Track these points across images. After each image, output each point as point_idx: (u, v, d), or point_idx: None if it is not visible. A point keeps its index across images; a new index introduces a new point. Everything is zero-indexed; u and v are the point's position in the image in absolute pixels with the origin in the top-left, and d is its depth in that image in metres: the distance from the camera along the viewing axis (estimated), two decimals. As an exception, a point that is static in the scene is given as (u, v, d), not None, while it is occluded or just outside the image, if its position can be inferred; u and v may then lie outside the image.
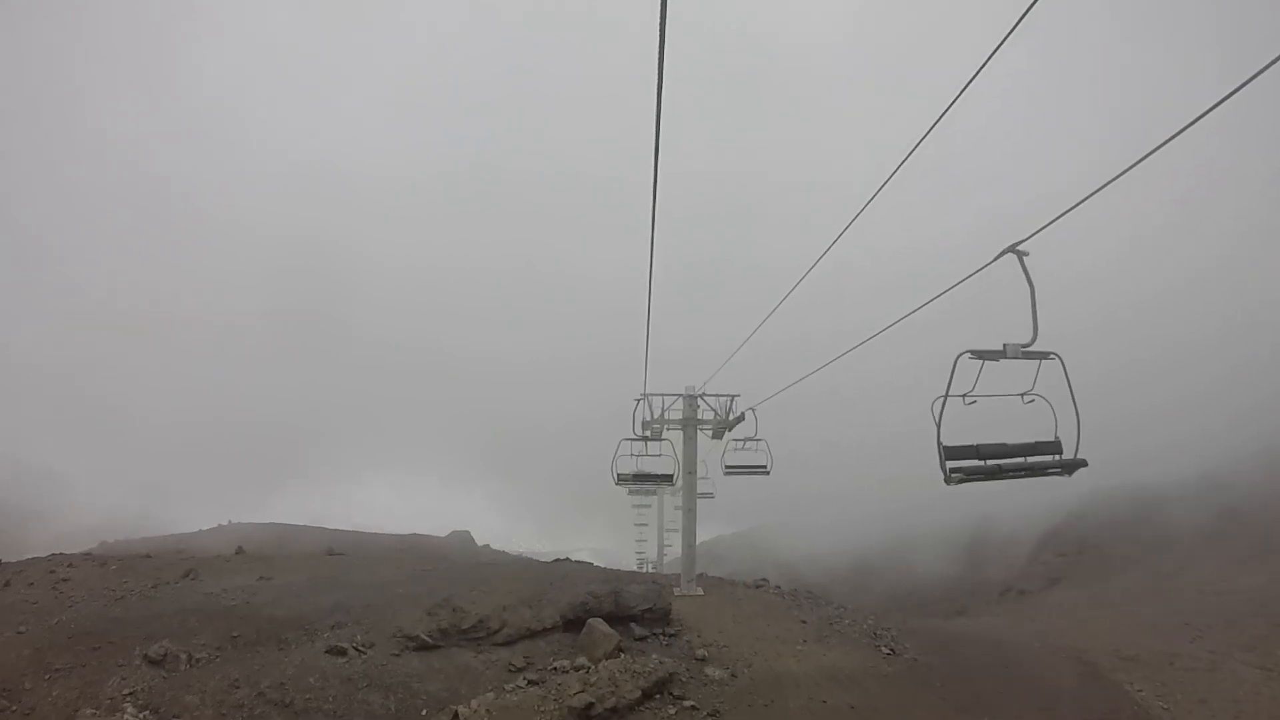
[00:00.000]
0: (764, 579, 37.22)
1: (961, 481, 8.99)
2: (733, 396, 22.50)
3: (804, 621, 20.84)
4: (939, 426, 8.87)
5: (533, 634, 16.88)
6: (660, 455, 22.63)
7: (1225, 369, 49.63)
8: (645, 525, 51.98)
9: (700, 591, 22.28)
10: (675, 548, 49.70)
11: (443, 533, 61.14)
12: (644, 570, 53.77)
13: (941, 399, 8.87)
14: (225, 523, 57.18)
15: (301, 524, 56.82)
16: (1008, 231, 8.42)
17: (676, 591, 22.08)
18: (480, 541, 62.56)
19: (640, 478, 22.78)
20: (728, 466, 23.25)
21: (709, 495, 33.80)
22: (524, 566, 23.93)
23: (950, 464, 8.95)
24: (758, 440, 22.40)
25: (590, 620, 16.84)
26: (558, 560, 27.82)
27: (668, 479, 23.23)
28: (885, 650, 19.41)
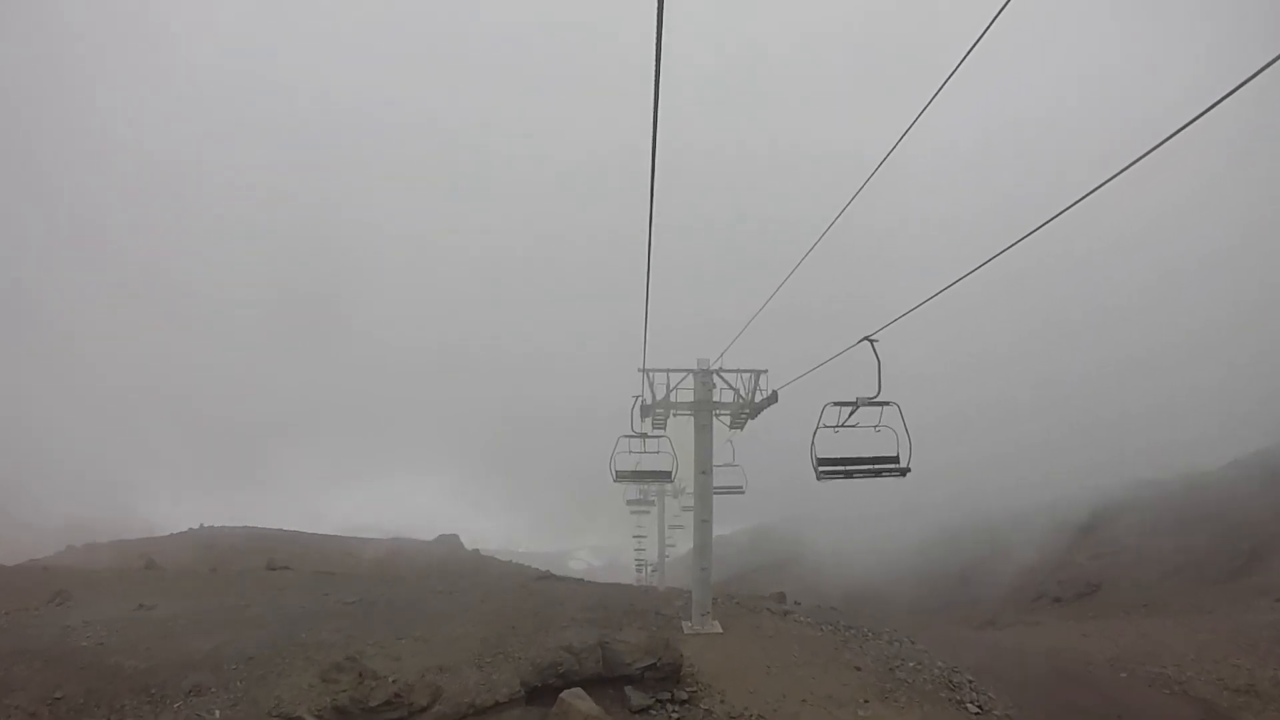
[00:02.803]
0: (782, 593, 31.10)
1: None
2: (758, 372, 16.40)
3: (858, 668, 14.77)
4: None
5: (480, 712, 10.68)
6: (659, 453, 17.59)
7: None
8: (644, 536, 45.58)
9: (718, 627, 16.06)
10: (679, 547, 43.80)
11: (432, 535, 55.25)
12: (644, 573, 48.17)
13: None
14: (196, 526, 51.40)
15: (280, 528, 50.93)
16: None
17: (686, 628, 15.90)
18: (472, 544, 56.48)
19: (640, 475, 17.98)
20: (823, 463, 11.96)
21: (737, 490, 23.84)
22: (487, 593, 17.66)
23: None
24: (884, 404, 11.25)
25: (564, 695, 10.55)
26: (541, 578, 21.68)
27: (666, 476, 17.95)
28: (973, 708, 13.67)
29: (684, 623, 16.24)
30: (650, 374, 16.33)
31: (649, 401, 16.42)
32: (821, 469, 11.97)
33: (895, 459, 12.12)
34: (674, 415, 17.03)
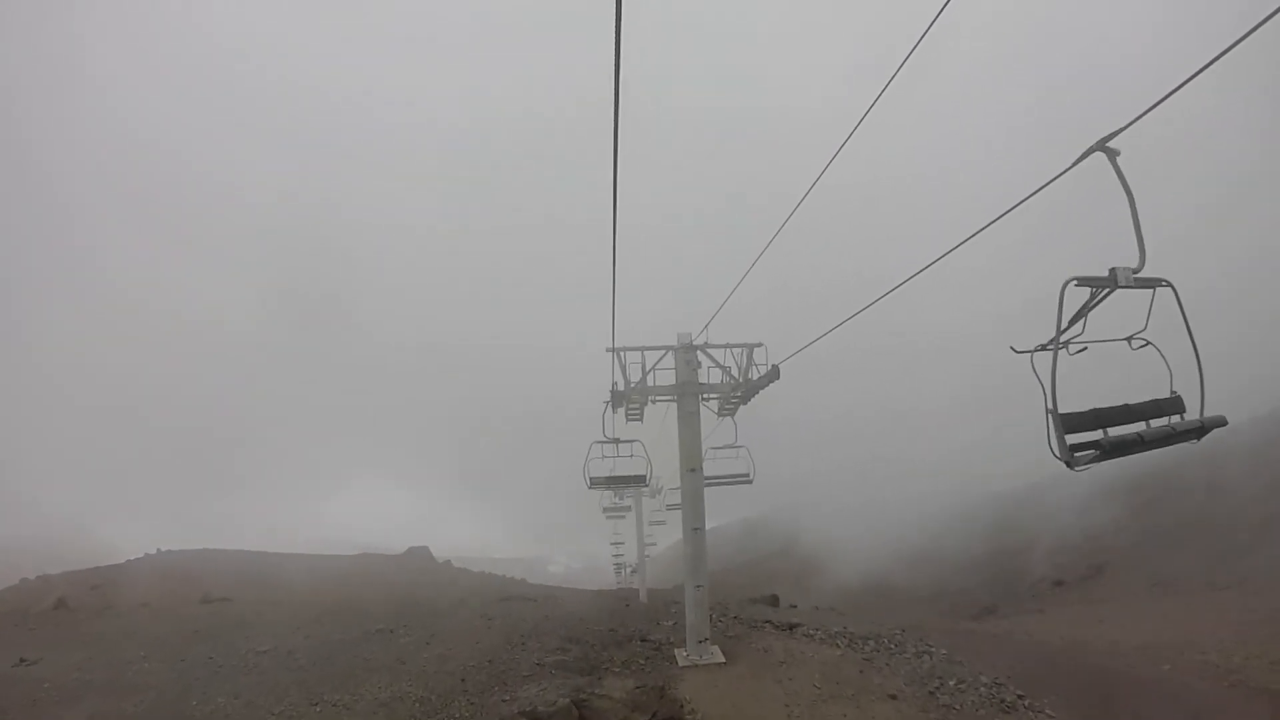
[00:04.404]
0: (774, 596, 28.28)
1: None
2: (751, 346, 13.42)
3: (893, 696, 11.96)
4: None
5: (409, 815, 7.52)
6: (633, 456, 15.13)
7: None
8: (622, 542, 42.69)
9: (719, 655, 13.00)
10: (659, 544, 41.04)
11: (405, 546, 51.72)
12: (623, 575, 45.45)
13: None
14: (154, 551, 47.39)
15: (242, 549, 47.17)
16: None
17: (681, 657, 12.82)
18: (446, 554, 53.03)
19: (614, 480, 15.48)
20: (1068, 420, 4.92)
21: (744, 479, 17.54)
22: (435, 631, 14.43)
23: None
24: (1155, 284, 4.96)
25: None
26: (506, 599, 18.48)
27: (640, 480, 15.64)
28: (1034, 729, 11.02)
29: (678, 651, 13.18)
30: (622, 354, 13.27)
31: (622, 388, 13.36)
32: (1077, 448, 4.90)
33: (1178, 401, 5.35)
34: (653, 401, 13.99)
